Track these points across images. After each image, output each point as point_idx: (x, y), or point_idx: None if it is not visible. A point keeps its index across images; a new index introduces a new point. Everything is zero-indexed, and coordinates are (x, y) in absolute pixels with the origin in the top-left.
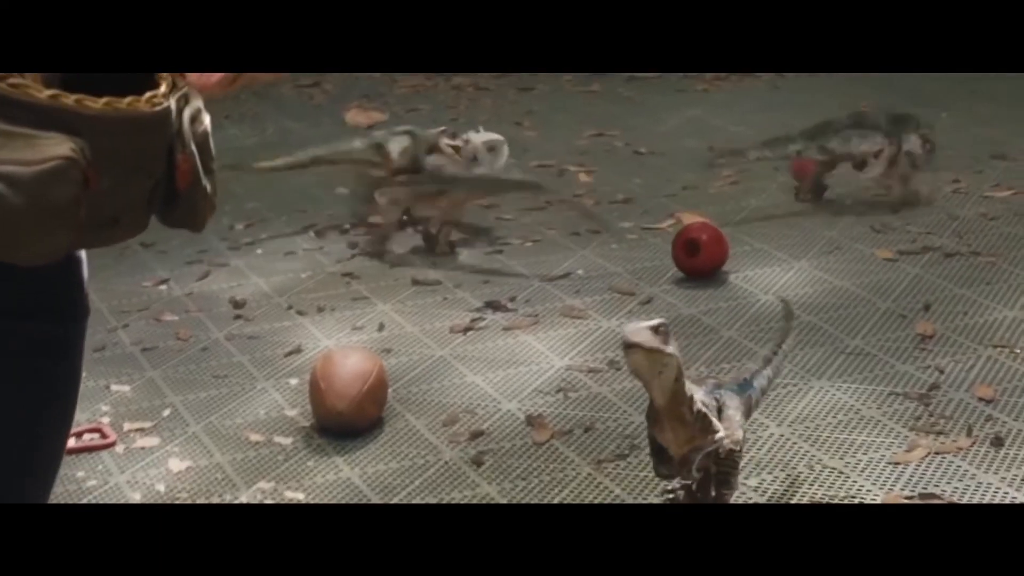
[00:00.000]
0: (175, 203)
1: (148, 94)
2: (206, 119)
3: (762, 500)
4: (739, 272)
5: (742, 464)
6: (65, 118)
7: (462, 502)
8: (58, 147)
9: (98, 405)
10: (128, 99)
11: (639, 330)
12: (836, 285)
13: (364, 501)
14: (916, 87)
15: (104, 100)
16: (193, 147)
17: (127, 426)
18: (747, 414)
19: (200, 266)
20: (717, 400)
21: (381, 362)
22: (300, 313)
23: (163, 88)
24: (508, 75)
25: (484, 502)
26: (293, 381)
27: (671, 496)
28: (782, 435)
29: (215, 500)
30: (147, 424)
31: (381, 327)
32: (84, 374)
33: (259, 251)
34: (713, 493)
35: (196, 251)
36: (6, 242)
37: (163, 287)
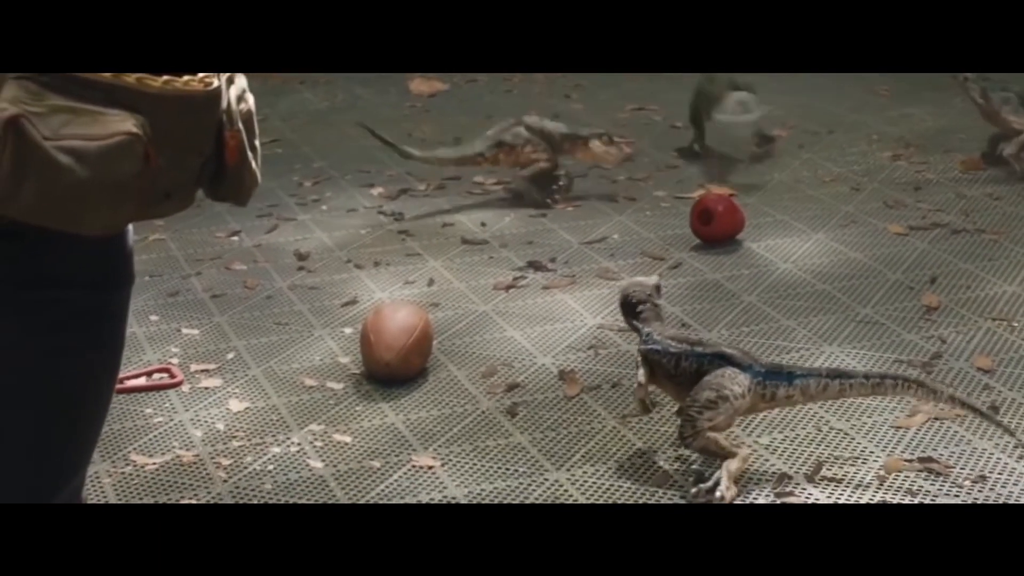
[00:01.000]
0: (222, 179)
1: (201, 74)
2: (250, 98)
3: (772, 457)
4: (761, 241)
5: (742, 425)
6: (126, 96)
7: (495, 451)
8: (123, 123)
9: (169, 347)
10: (184, 78)
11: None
12: (850, 256)
13: (407, 446)
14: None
15: (163, 79)
16: (240, 125)
17: (193, 367)
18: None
19: (269, 219)
20: (701, 363)
21: (427, 316)
22: (358, 267)
23: None
24: None
25: (516, 451)
26: (348, 330)
27: None
28: None
29: (268, 440)
30: (212, 366)
31: (431, 282)
32: (157, 317)
33: (324, 207)
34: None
35: (267, 205)
36: (72, 214)
37: (235, 238)
